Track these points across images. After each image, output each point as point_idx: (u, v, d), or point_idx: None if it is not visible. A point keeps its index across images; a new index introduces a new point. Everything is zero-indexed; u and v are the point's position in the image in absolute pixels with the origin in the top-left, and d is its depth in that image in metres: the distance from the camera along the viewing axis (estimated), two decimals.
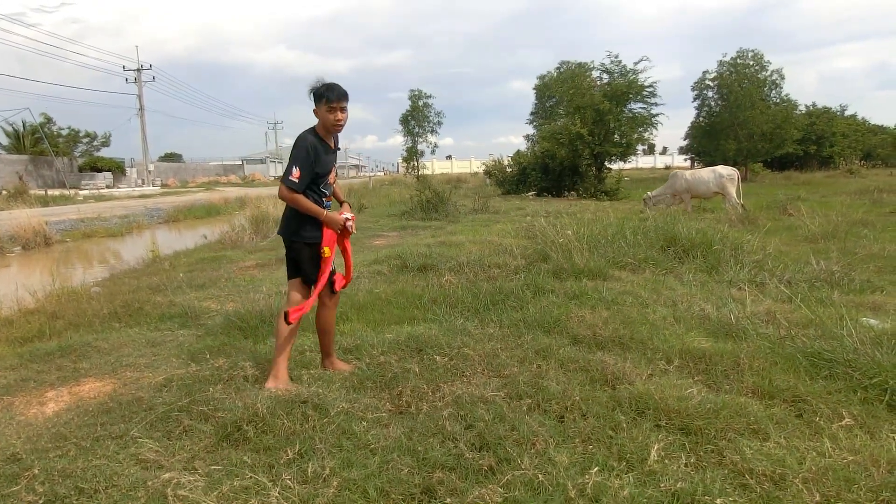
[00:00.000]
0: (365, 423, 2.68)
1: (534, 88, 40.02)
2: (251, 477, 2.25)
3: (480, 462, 2.29)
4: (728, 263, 6.64)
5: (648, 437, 2.43)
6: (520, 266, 6.39)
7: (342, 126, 3.23)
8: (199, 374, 3.43)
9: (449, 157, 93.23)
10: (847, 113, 50.84)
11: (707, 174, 14.45)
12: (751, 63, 33.68)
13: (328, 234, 3.28)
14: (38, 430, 2.96)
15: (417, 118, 40.14)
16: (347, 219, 3.33)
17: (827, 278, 5.71)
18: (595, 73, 24.51)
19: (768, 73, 33.97)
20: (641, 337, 3.67)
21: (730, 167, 14.74)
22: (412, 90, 40.26)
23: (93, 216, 17.92)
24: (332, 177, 3.35)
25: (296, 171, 3.11)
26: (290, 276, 3.47)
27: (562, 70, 29.12)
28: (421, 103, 39.92)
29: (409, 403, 2.90)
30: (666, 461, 2.27)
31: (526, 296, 4.98)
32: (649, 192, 15.36)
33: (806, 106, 44.42)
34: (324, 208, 3.27)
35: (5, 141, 42.98)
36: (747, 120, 33.31)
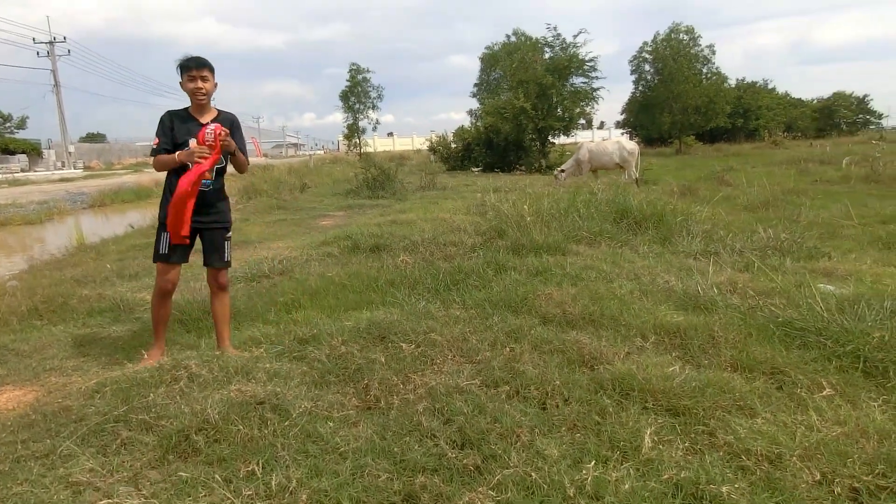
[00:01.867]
0: (332, 424, 2.43)
1: (479, 57, 39.65)
2: (205, 496, 1.97)
3: (465, 461, 2.09)
4: (680, 234, 6.70)
5: (638, 422, 2.30)
6: (476, 244, 6.21)
7: (204, 95, 3.30)
8: (137, 376, 3.05)
9: (390, 135, 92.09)
10: (770, 87, 53.26)
11: (611, 146, 14.83)
12: (684, 38, 34.54)
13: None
14: None
15: (357, 94, 39.08)
16: (207, 134, 3.20)
17: (776, 246, 5.82)
18: (538, 47, 24.45)
19: (700, 48, 34.95)
20: (612, 313, 3.56)
21: (633, 142, 15.25)
22: (352, 64, 39.12)
23: (6, 202, 16.50)
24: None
25: (154, 140, 3.34)
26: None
27: (511, 40, 28.83)
28: (360, 77, 38.86)
29: (377, 398, 2.66)
30: (661, 447, 2.14)
31: (487, 274, 4.81)
32: (559, 168, 15.46)
33: (736, 80, 46.12)
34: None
35: None
36: (681, 94, 34.29)
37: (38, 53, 42.30)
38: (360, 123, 40.67)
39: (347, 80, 38.73)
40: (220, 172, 3.48)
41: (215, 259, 3.54)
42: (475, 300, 4.11)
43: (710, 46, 35.46)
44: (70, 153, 43.51)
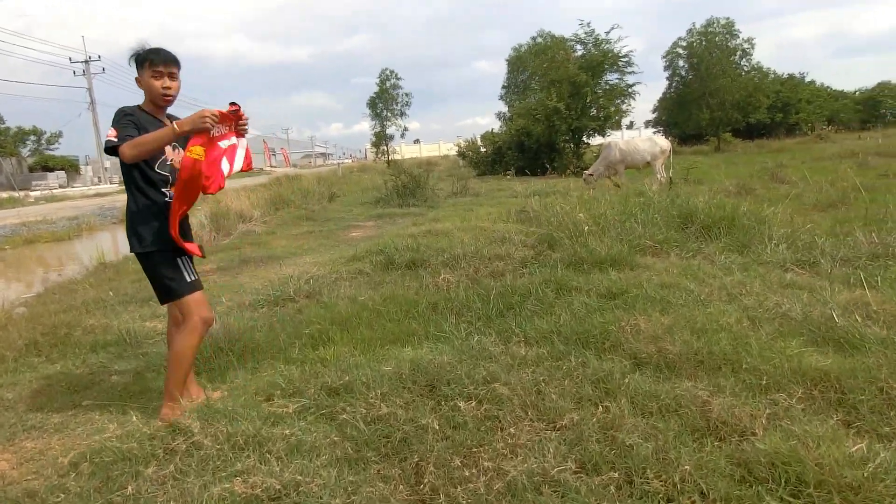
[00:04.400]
0: None
1: (506, 60, 38.89)
2: None
3: None
4: (759, 241, 5.83)
5: None
6: (526, 257, 5.45)
7: (172, 97, 2.70)
8: (124, 445, 2.40)
9: (417, 142, 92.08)
10: (808, 80, 51.25)
11: (643, 143, 14.06)
12: (720, 31, 33.16)
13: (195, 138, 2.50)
14: None
15: (385, 100, 38.63)
16: (217, 113, 2.52)
17: (886, 253, 4.91)
18: (569, 45, 23.58)
19: (738, 41, 33.51)
20: (725, 352, 2.76)
21: (665, 139, 14.48)
22: (383, 69, 38.61)
23: (37, 219, 16.37)
24: (176, 160, 2.68)
25: (111, 131, 2.51)
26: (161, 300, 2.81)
27: (537, 41, 28.04)
28: (389, 84, 38.40)
29: (434, 489, 1.93)
30: None
31: (548, 296, 4.05)
32: (587, 171, 14.74)
33: (773, 73, 44.29)
34: (164, 199, 2.65)
35: None
36: (719, 89, 32.88)
37: (73, 73, 43.14)
38: (388, 131, 40.22)
39: (376, 86, 38.30)
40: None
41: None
42: (540, 332, 3.35)
43: (750, 40, 33.99)
44: (106, 168, 44.19)
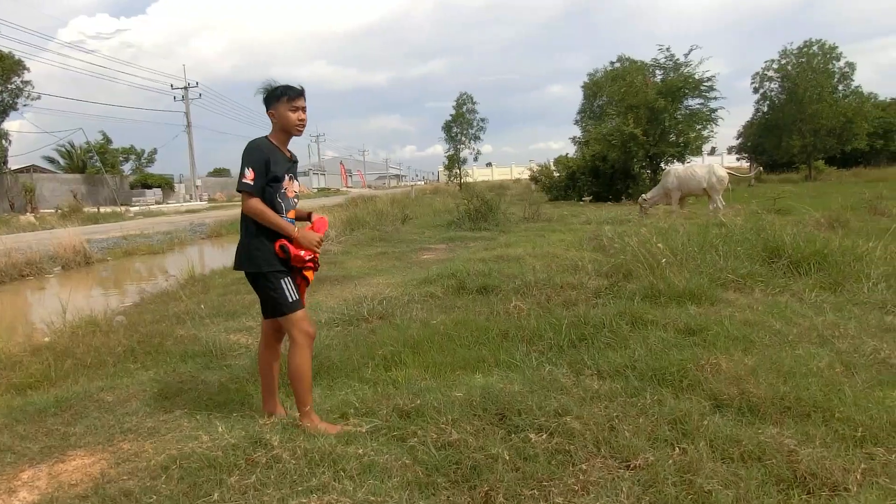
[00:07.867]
0: None
1: (582, 86, 38.67)
2: None
3: None
4: (854, 278, 5.46)
5: None
6: (600, 287, 5.36)
7: (304, 127, 2.93)
8: (210, 452, 2.55)
9: (489, 165, 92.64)
10: None
11: (700, 171, 13.74)
12: (818, 54, 31.49)
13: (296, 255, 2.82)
14: None
15: (461, 124, 39.24)
16: (321, 240, 2.90)
17: None
18: (649, 70, 23.15)
19: (839, 63, 31.69)
20: (815, 399, 2.60)
21: (723, 169, 13.97)
22: (461, 94, 39.28)
23: (136, 233, 17.70)
24: (290, 189, 2.93)
25: (249, 172, 2.76)
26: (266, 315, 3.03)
27: (616, 66, 27.74)
28: (465, 108, 39.00)
29: None
30: None
31: (622, 328, 3.96)
32: (644, 195, 14.55)
33: (874, 98, 41.41)
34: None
35: (61, 161, 44.50)
36: (814, 114, 31.13)
37: (174, 98, 46.71)
38: (462, 154, 40.77)
39: (452, 110, 38.94)
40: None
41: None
42: (613, 366, 3.29)
43: (851, 64, 32.09)
44: (197, 186, 47.31)
